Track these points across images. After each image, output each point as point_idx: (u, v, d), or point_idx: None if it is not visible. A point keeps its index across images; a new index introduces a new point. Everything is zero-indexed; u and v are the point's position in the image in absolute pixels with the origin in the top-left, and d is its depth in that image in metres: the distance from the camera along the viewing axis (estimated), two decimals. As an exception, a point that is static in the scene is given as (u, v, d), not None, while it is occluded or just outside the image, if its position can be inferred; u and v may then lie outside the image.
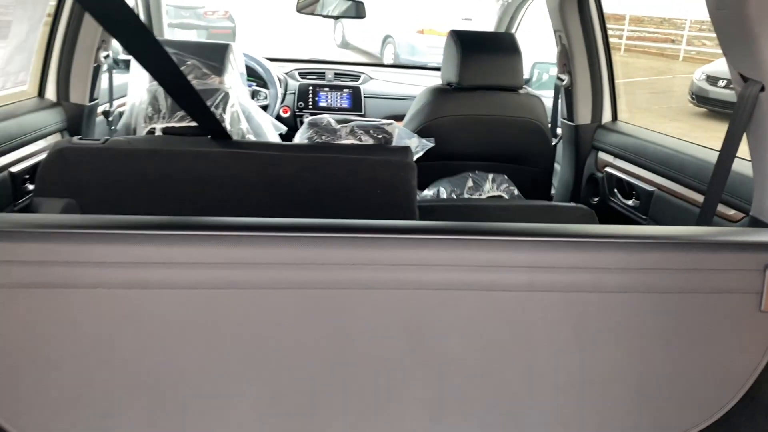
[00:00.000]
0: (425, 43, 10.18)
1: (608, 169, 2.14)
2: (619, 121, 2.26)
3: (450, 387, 1.00)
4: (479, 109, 2.08)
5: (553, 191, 2.47)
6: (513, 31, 2.91)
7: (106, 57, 2.05)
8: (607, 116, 2.26)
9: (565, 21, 2.17)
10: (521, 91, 2.16)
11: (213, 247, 0.91)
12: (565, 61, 2.24)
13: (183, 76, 1.23)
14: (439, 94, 2.11)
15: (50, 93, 1.96)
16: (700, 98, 7.90)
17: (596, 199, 2.21)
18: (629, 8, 12.02)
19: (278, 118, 2.79)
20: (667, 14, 12.47)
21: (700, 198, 1.61)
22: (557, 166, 2.47)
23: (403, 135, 1.78)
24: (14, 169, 1.63)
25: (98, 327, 0.88)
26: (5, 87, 1.72)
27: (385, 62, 9.60)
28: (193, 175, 1.50)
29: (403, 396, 0.98)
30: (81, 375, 0.88)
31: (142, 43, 1.12)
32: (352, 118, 1.86)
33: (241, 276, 0.92)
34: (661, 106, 8.85)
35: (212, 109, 1.69)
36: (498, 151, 2.14)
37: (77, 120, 2.00)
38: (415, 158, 1.61)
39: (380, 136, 1.69)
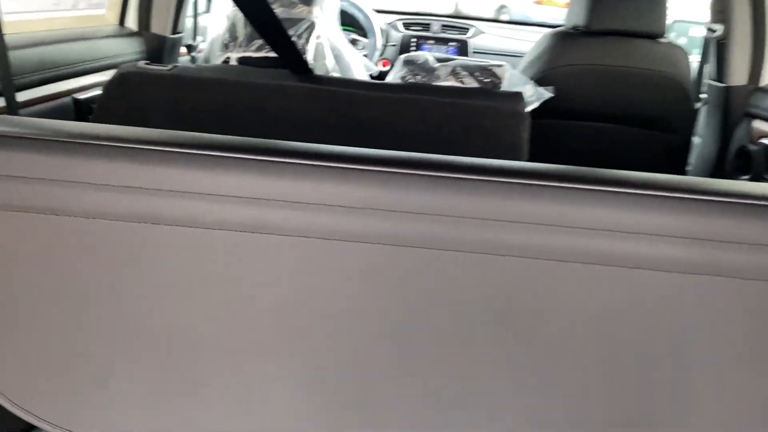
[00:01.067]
0: (543, 15, 9.69)
1: (765, 141, 1.76)
2: (785, 82, 1.86)
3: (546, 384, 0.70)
4: (610, 58, 1.76)
5: (689, 166, 2.10)
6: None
7: (192, -15, 1.90)
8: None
9: (726, -45, 1.78)
10: (662, 40, 1.80)
11: (269, 176, 0.68)
12: (721, 6, 1.85)
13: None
14: (562, 38, 1.80)
15: (131, 22, 1.82)
16: None
17: (747, 177, 1.83)
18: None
19: None
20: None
21: None
22: (696, 138, 2.09)
23: (515, 80, 1.50)
24: (80, 95, 1.50)
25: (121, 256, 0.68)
26: (77, 6, 1.58)
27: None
28: (265, 109, 1.32)
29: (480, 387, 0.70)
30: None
31: None
32: (456, 57, 1.59)
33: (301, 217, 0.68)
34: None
35: (294, 39, 1.49)
36: (628, 110, 1.81)
37: (158, 52, 1.86)
38: (528, 109, 1.34)
39: (487, 80, 1.43)
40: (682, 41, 3.05)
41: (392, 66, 2.82)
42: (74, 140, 0.68)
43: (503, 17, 10.33)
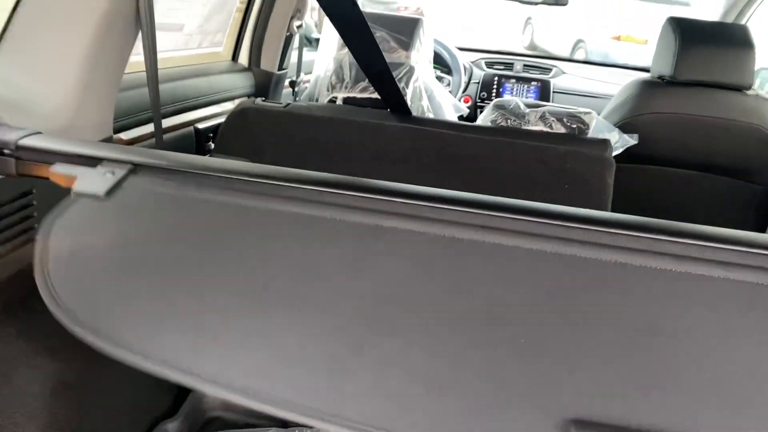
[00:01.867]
0: (620, 51, 9.54)
1: None
2: None
3: None
4: (695, 108, 1.79)
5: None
6: (743, 22, 2.52)
7: (299, 27, 2.06)
8: None
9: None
10: (749, 92, 1.83)
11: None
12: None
13: (376, 45, 1.16)
14: (648, 87, 1.86)
15: (243, 58, 2.00)
16: None
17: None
18: None
19: None
20: None
21: None
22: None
23: (601, 127, 1.57)
24: (200, 125, 1.66)
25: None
26: (202, 45, 1.76)
27: (574, 68, 9.14)
28: (368, 146, 1.43)
29: None
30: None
31: (342, 9, 1.05)
32: (544, 103, 1.67)
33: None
34: None
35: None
36: (712, 160, 1.84)
37: (265, 87, 2.03)
38: (613, 155, 1.40)
39: (575, 126, 1.50)
40: (767, 88, 3.03)
41: (473, 103, 2.93)
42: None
43: (579, 52, 10.28)
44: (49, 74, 0.97)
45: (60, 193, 0.91)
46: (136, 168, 0.76)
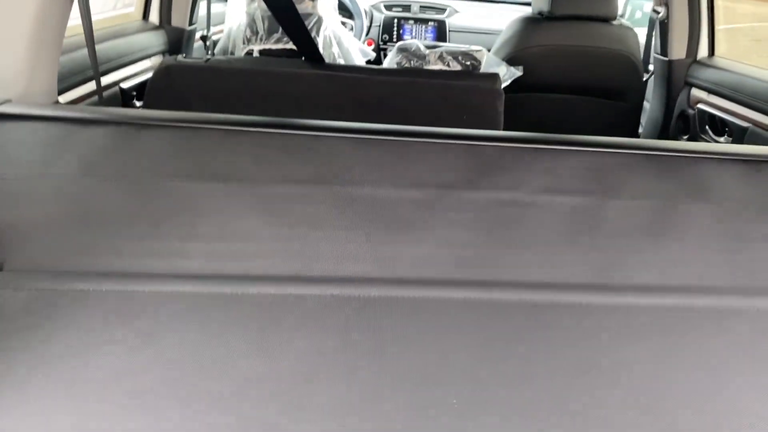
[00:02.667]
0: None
1: (701, 106, 2.07)
2: (716, 56, 2.17)
3: None
4: (570, 39, 2.05)
5: (640, 129, 2.42)
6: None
7: (205, -18, 2.13)
8: (703, 51, 2.17)
9: (666, -51, 2.08)
10: (615, 23, 2.10)
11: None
12: (663, -9, 2.15)
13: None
14: (529, 23, 2.09)
15: (153, 16, 2.06)
16: (806, 45, 7.35)
17: (686, 137, 2.15)
18: (734, -54, 11.16)
19: None
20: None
21: None
22: (646, 104, 2.40)
23: (491, 62, 1.79)
24: (124, 85, 1.75)
25: None
26: (116, 8, 1.82)
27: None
28: (288, 94, 1.57)
29: None
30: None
31: None
32: (441, 44, 1.87)
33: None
34: (761, 55, 8.27)
35: (306, 32, 1.74)
36: (587, 83, 2.11)
37: (177, 43, 2.10)
38: (502, 86, 1.62)
39: (468, 63, 1.71)
40: (638, 16, 3.35)
41: (377, 45, 3.08)
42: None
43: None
44: (0, 47, 1.06)
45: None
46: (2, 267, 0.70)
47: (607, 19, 2.07)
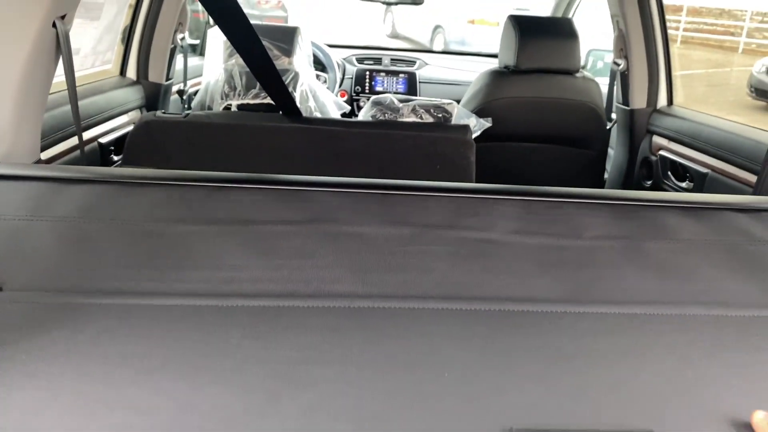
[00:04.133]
0: (475, 34, 10.14)
1: (662, 153, 2.17)
2: (674, 105, 2.28)
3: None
4: (536, 91, 2.14)
5: (606, 175, 2.51)
6: (570, 16, 2.94)
7: (182, 39, 2.19)
8: (662, 101, 2.28)
9: (623, 5, 2.20)
10: (578, 75, 2.20)
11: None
12: (622, 45, 2.27)
13: (266, 53, 1.33)
14: (496, 76, 2.18)
15: (131, 72, 2.10)
16: (759, 91, 7.68)
17: (649, 182, 2.24)
18: (686, -1, 11.73)
19: None
20: (726, 5, 12.10)
21: (753, 178, 1.64)
22: (610, 151, 2.50)
23: (462, 114, 1.86)
24: (102, 140, 1.77)
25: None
26: (94, 65, 1.86)
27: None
28: (267, 147, 1.61)
29: None
30: None
31: (235, 24, 1.23)
32: (414, 98, 1.94)
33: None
34: (717, 99, 8.63)
35: (284, 87, 1.80)
36: (554, 132, 2.20)
37: (154, 97, 2.14)
38: (473, 137, 1.68)
39: (440, 115, 1.77)
40: (599, 66, 3.50)
41: (350, 97, 3.16)
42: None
43: (438, 37, 10.82)
44: None
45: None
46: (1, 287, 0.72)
47: (570, 72, 2.17)
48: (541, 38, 2.14)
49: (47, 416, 0.54)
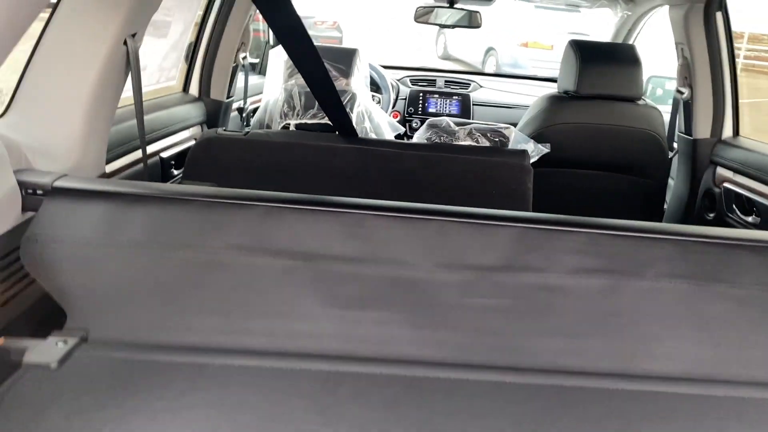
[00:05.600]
0: (528, 56, 10.08)
1: (727, 185, 2.09)
2: (741, 136, 2.20)
3: None
4: (596, 118, 2.09)
5: (665, 206, 2.44)
6: (631, 42, 2.89)
7: (244, 58, 2.23)
8: (728, 131, 2.20)
9: (689, 33, 2.14)
10: (640, 102, 2.15)
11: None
12: (687, 74, 2.21)
13: (327, 74, 1.35)
14: (555, 101, 2.15)
15: (193, 89, 2.15)
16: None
17: (712, 215, 2.16)
18: (748, 26, 11.40)
19: None
20: (790, 32, 11.70)
21: None
22: (671, 181, 2.43)
23: (519, 139, 1.83)
24: (164, 154, 1.81)
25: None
26: (159, 81, 1.91)
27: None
28: (322, 167, 1.62)
29: None
30: None
31: (298, 44, 1.24)
32: (470, 121, 1.92)
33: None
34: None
35: (341, 108, 1.81)
36: (613, 160, 2.15)
37: (215, 114, 2.18)
38: (531, 162, 1.66)
39: (497, 139, 1.75)
40: (659, 93, 3.43)
41: (402, 118, 3.16)
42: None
43: (491, 59, 10.80)
44: (59, 122, 1.12)
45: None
46: (86, 337, 0.79)
47: (632, 99, 2.12)
48: (603, 64, 2.10)
49: None
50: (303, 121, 1.79)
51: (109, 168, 1.45)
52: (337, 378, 0.71)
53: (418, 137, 1.84)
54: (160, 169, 1.79)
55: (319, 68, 1.34)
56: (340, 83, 1.92)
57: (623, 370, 0.75)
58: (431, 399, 0.69)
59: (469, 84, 3.30)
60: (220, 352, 0.73)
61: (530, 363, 0.76)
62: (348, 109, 1.84)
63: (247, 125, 2.30)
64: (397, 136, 2.24)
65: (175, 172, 1.86)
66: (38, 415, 0.67)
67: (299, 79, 1.83)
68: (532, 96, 2.34)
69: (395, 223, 0.94)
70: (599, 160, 2.15)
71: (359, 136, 1.75)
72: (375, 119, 2.07)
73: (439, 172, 1.62)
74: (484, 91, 3.29)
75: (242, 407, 0.66)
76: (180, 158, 1.87)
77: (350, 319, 0.78)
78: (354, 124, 1.86)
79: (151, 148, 1.75)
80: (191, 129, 2.04)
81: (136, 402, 0.67)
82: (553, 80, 3.36)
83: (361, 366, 0.72)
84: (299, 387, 0.69)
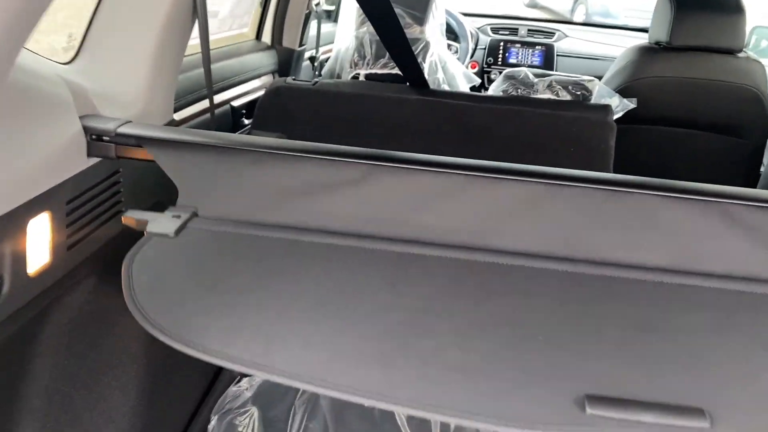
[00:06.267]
0: (621, 5, 9.52)
1: None
2: None
3: None
4: (690, 71, 1.93)
5: (762, 169, 2.25)
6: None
7: (317, 5, 2.18)
8: (841, 89, 1.99)
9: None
10: (740, 55, 1.96)
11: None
12: (799, 22, 1.99)
13: (398, 23, 1.28)
14: (645, 52, 1.99)
15: (266, 37, 2.13)
16: None
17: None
18: None
19: None
20: None
21: None
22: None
23: (603, 93, 1.71)
24: (235, 103, 1.81)
25: None
26: (232, 28, 1.89)
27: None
28: (391, 119, 1.58)
29: None
30: None
31: None
32: (551, 72, 1.81)
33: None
34: None
35: (413, 57, 1.74)
36: (706, 118, 1.98)
37: (287, 63, 2.16)
38: (614, 118, 1.55)
39: (579, 93, 1.64)
40: (764, 45, 3.14)
41: (480, 69, 3.05)
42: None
43: (580, 8, 10.26)
44: (125, 69, 1.12)
45: (140, 171, 1.07)
46: (197, 213, 0.92)
47: (732, 52, 1.94)
48: (701, 12, 1.92)
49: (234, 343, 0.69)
50: (373, 71, 1.74)
51: (179, 116, 1.46)
52: (408, 258, 0.80)
53: (494, 89, 1.75)
54: (231, 118, 1.79)
55: (389, 15, 1.28)
56: (413, 31, 1.84)
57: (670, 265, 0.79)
58: (488, 280, 0.78)
59: (554, 33, 3.12)
60: (311, 231, 0.85)
61: (582, 255, 0.82)
62: (420, 59, 1.77)
63: (319, 75, 2.26)
64: (473, 88, 2.15)
65: (246, 121, 1.86)
66: (160, 275, 0.80)
67: (371, 27, 1.77)
68: (621, 47, 2.18)
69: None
70: (690, 118, 1.99)
71: (431, 87, 1.68)
72: (449, 70, 1.98)
73: (515, 127, 1.55)
74: (569, 41, 3.12)
75: (325, 277, 0.77)
76: (251, 107, 1.86)
77: (423, 211, 0.87)
78: (426, 74, 1.79)
79: (221, 97, 1.74)
80: (263, 78, 2.02)
81: (239, 266, 0.80)
82: (646, 30, 3.13)
83: (429, 250, 0.81)
84: (374, 264, 0.80)
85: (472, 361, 0.65)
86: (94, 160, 0.98)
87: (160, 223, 0.88)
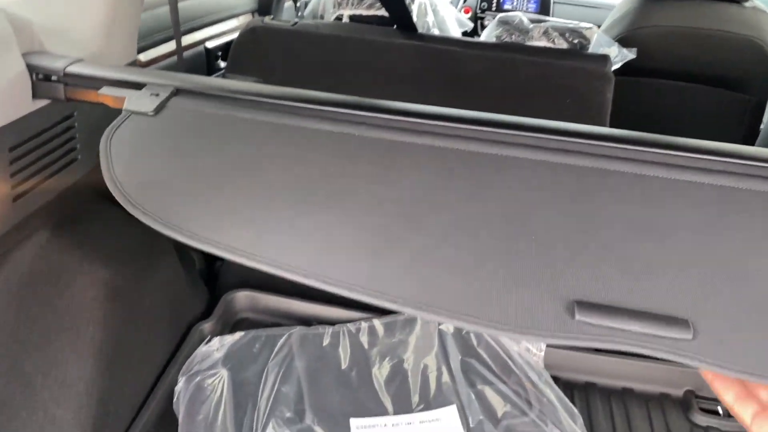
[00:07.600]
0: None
1: None
2: None
3: None
4: (693, 20, 1.83)
5: (762, 125, 2.17)
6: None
7: (300, -62, 2.04)
8: None
9: None
10: (747, 4, 1.86)
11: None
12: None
13: None
14: (647, 0, 1.88)
15: (245, -26, 1.99)
16: None
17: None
18: None
19: None
20: None
21: None
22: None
23: (602, 42, 1.61)
24: (209, 44, 1.69)
25: None
26: (206, -38, 1.76)
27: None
28: (376, 65, 1.48)
29: None
30: None
31: None
32: (547, 18, 1.70)
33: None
34: None
35: (401, -2, 1.63)
36: (707, 71, 1.89)
37: (267, 3, 2.03)
38: (612, 69, 1.46)
39: (576, 41, 1.55)
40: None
41: (474, 14, 2.92)
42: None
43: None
44: (81, 2, 1.00)
45: (97, 116, 0.98)
46: (177, 91, 0.84)
47: (737, 1, 1.83)
48: None
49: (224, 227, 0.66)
50: (357, 12, 1.63)
51: (145, 56, 1.35)
52: (401, 148, 0.77)
53: (487, 35, 1.65)
54: (206, 61, 1.68)
55: None
56: (401, -31, 1.72)
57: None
58: (480, 171, 0.74)
59: None
60: (298, 113, 0.81)
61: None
62: (409, 0, 1.66)
63: (302, 16, 2.14)
64: (465, 34, 2.04)
65: (222, 64, 1.75)
66: (140, 156, 0.76)
67: None
68: None
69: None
70: (691, 70, 1.89)
71: (419, 31, 1.58)
72: (440, 13, 1.87)
73: (507, 76, 1.46)
74: None
75: (314, 165, 0.74)
76: (227, 50, 1.75)
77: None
78: (414, 17, 1.68)
79: (194, 37, 1.63)
80: (241, 18, 1.90)
81: (225, 150, 0.76)
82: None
83: (422, 138, 0.77)
84: (366, 153, 0.76)
85: (464, 260, 0.63)
86: (42, 103, 0.88)
87: (139, 101, 0.82)
